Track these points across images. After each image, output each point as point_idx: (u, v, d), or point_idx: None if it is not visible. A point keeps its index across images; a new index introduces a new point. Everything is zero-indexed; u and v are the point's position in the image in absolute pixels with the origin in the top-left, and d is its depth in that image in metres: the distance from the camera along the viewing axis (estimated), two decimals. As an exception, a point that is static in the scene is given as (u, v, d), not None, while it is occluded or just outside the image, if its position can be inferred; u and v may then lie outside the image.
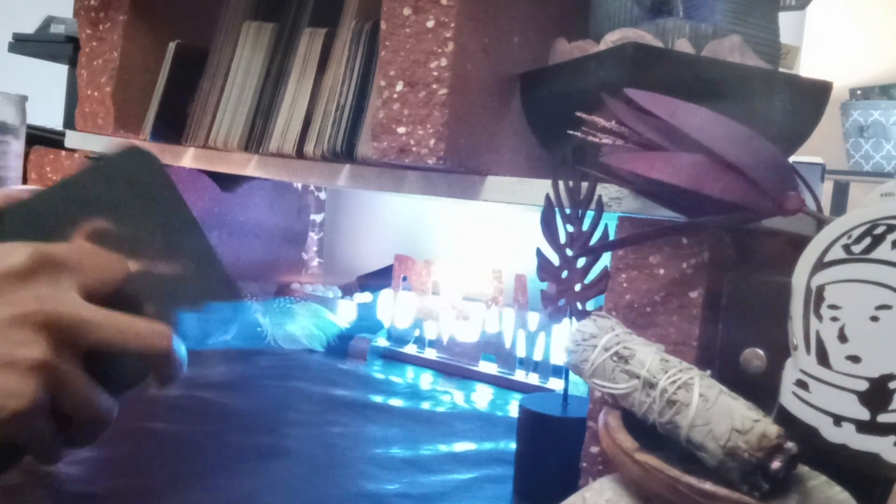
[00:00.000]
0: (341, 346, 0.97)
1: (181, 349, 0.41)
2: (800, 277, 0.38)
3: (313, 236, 1.27)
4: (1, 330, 0.35)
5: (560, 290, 0.52)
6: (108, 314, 0.39)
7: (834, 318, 0.37)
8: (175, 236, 0.45)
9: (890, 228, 0.36)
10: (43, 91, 1.28)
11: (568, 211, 0.52)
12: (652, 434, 0.39)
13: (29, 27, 1.57)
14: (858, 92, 1.66)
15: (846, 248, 0.37)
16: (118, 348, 0.38)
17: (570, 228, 0.52)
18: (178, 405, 0.69)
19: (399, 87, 0.60)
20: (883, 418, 0.35)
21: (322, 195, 1.30)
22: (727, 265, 0.46)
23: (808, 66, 0.71)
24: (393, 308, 0.97)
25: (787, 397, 0.38)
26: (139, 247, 0.43)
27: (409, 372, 0.91)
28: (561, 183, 0.52)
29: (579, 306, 0.51)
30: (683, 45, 0.55)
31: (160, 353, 0.40)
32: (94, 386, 0.38)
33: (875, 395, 0.35)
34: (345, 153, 0.68)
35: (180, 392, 0.73)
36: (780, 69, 0.62)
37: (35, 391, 0.35)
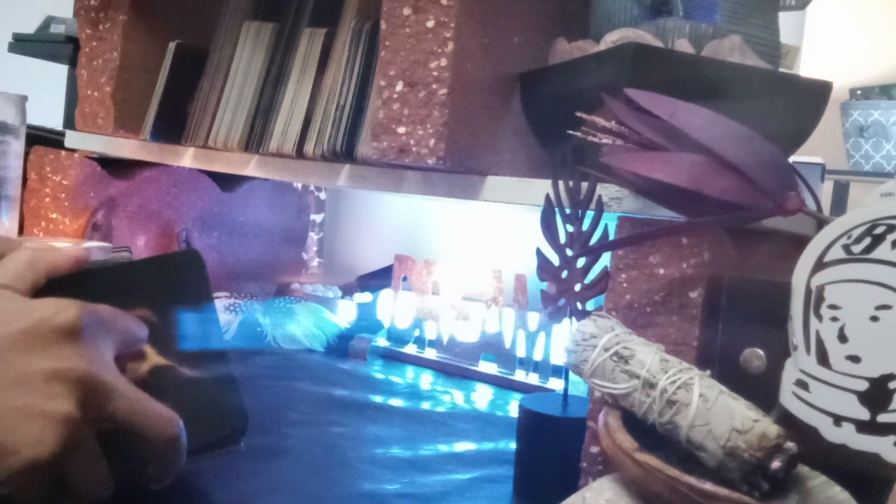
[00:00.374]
0: (341, 346, 0.97)
1: (184, 449, 0.42)
2: (800, 277, 0.38)
3: (313, 236, 1.27)
4: (41, 382, 0.36)
5: (560, 290, 0.52)
6: (133, 388, 0.41)
7: (834, 318, 0.37)
8: (202, 358, 0.49)
9: (890, 228, 0.36)
10: (43, 91, 1.28)
11: (568, 211, 0.52)
12: (652, 434, 0.39)
13: (29, 27, 1.57)
14: (858, 92, 1.66)
15: (846, 248, 0.37)
16: (133, 422, 0.40)
17: (570, 228, 0.52)
18: (178, 405, 0.69)
19: (399, 87, 0.60)
20: (883, 418, 0.35)
21: (322, 195, 1.30)
22: (727, 265, 0.46)
23: (808, 66, 0.71)
24: (393, 308, 0.97)
25: (787, 397, 0.38)
26: (170, 343, 0.47)
27: (409, 372, 0.91)
28: (561, 183, 0.52)
29: (579, 306, 0.51)
30: (683, 45, 0.55)
31: (168, 438, 0.41)
32: (103, 460, 0.39)
33: (875, 395, 0.35)
34: (345, 153, 0.68)
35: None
36: (780, 69, 0.62)
37: (57, 443, 0.36)
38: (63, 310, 0.39)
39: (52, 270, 0.44)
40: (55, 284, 0.44)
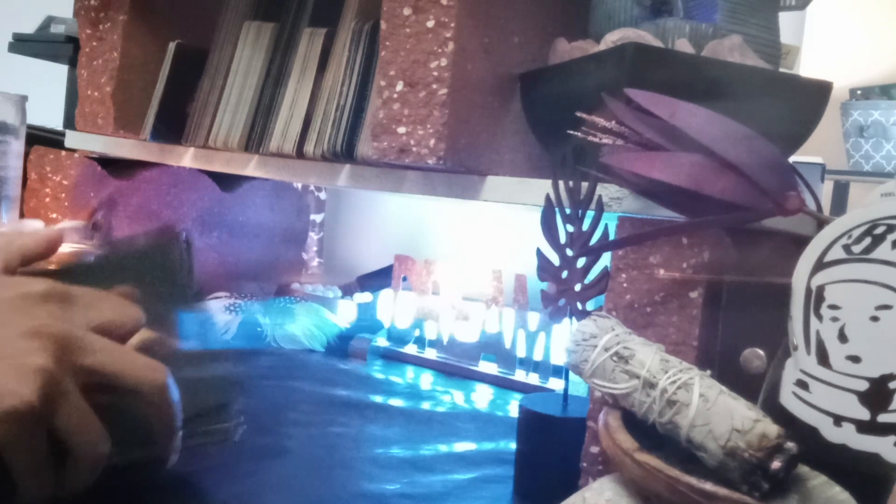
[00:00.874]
0: (341, 346, 0.97)
1: (176, 402, 0.43)
2: (800, 277, 0.38)
3: (313, 236, 1.27)
4: (16, 338, 0.38)
5: (560, 290, 0.52)
6: (111, 343, 0.41)
7: (834, 318, 0.37)
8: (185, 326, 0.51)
9: (890, 228, 0.36)
10: (43, 91, 1.28)
11: (568, 211, 0.52)
12: (652, 434, 0.39)
13: (29, 27, 1.58)
14: (858, 92, 1.67)
15: (846, 248, 0.37)
16: (116, 373, 0.40)
17: (570, 228, 0.52)
18: (178, 405, 0.69)
19: (399, 87, 0.60)
20: (883, 418, 0.35)
21: (322, 195, 1.30)
22: (727, 265, 0.46)
23: (808, 66, 0.71)
24: (393, 308, 0.97)
25: (787, 397, 0.38)
26: (157, 320, 0.47)
27: (409, 372, 0.91)
28: (561, 183, 0.52)
29: (579, 306, 0.51)
30: (683, 45, 0.55)
31: (156, 386, 0.41)
32: (92, 414, 0.40)
33: (875, 395, 0.35)
34: (345, 153, 0.68)
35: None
36: (781, 69, 0.62)
37: (33, 392, 0.36)
38: (36, 282, 0.41)
39: (27, 253, 0.46)
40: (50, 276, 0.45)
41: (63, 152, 0.91)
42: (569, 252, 0.52)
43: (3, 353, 0.37)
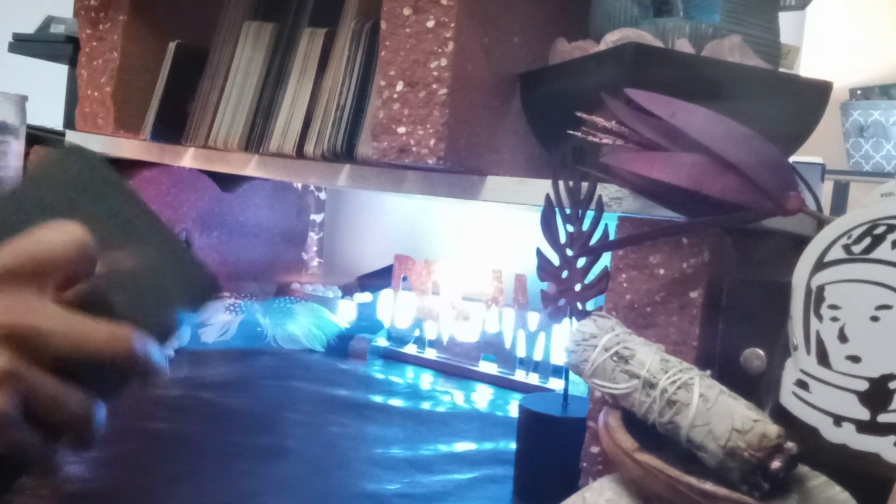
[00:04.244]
0: (341, 346, 0.97)
1: (153, 349, 0.41)
2: (800, 277, 0.38)
3: (313, 236, 1.27)
4: None
5: (560, 290, 0.52)
6: (69, 320, 0.39)
7: (834, 318, 0.37)
8: (135, 231, 0.44)
9: (890, 228, 0.36)
10: (43, 91, 1.28)
11: (568, 211, 0.52)
12: (652, 434, 0.39)
13: (29, 27, 1.57)
14: (858, 92, 1.67)
15: (846, 248, 0.37)
16: (80, 355, 0.39)
17: (570, 228, 0.52)
18: (178, 405, 0.69)
19: (399, 87, 0.60)
20: (883, 418, 0.35)
21: (322, 195, 1.30)
22: (727, 265, 0.46)
23: (808, 66, 0.71)
24: (393, 308, 0.97)
25: (787, 397, 0.38)
26: (100, 243, 0.42)
27: (409, 372, 0.91)
28: (561, 183, 0.52)
29: (579, 306, 0.51)
30: (683, 45, 0.55)
31: (122, 357, 0.40)
32: (68, 389, 0.39)
33: (875, 395, 0.35)
34: (345, 153, 0.68)
35: (180, 392, 0.72)
36: (780, 69, 0.62)
37: (2, 400, 0.36)
38: None
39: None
40: None
41: (63, 152, 0.91)
42: (569, 252, 0.52)
43: None
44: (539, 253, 0.53)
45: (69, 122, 1.01)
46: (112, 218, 0.44)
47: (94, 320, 0.40)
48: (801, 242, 0.39)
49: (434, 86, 0.58)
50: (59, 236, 0.40)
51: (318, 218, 1.29)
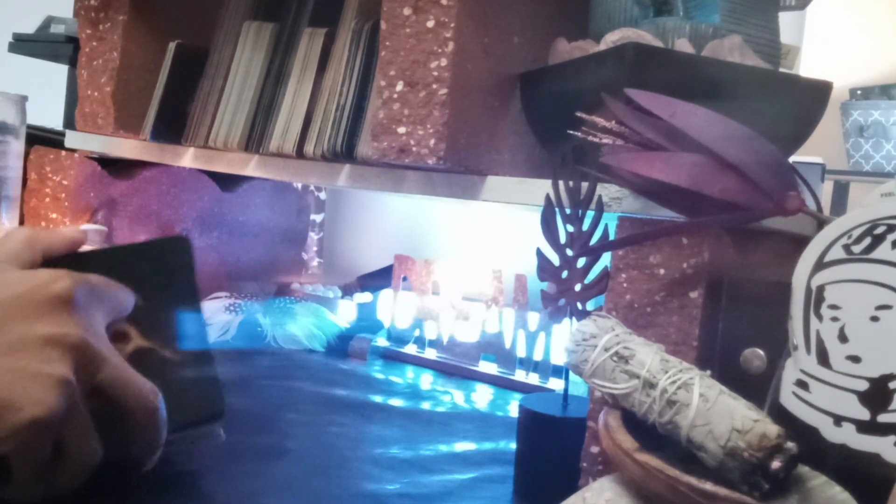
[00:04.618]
0: (341, 346, 0.97)
1: (163, 423, 0.44)
2: (800, 277, 0.38)
3: (313, 236, 1.27)
4: (39, 346, 0.38)
5: (560, 290, 0.52)
6: (120, 359, 0.43)
7: (834, 318, 0.37)
8: (183, 335, 0.51)
9: (890, 228, 0.36)
10: (43, 91, 1.28)
11: (568, 211, 0.52)
12: (652, 434, 0.39)
13: (29, 27, 1.58)
14: (858, 92, 1.67)
15: (846, 248, 0.37)
16: (119, 390, 0.42)
17: (570, 228, 0.52)
18: (178, 405, 0.69)
19: (399, 87, 0.60)
20: (883, 418, 0.35)
21: (322, 195, 1.30)
22: (727, 265, 0.46)
23: (808, 66, 0.71)
24: (393, 308, 0.97)
25: (787, 397, 0.38)
26: (154, 327, 0.48)
27: (409, 372, 0.91)
28: (561, 183, 0.52)
29: (579, 306, 0.51)
30: (683, 45, 0.55)
31: (149, 409, 0.43)
32: (92, 425, 0.41)
33: (875, 395, 0.35)
34: (345, 153, 0.68)
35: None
36: (780, 69, 0.62)
37: (56, 404, 0.37)
38: (57, 279, 0.41)
39: (48, 250, 0.46)
40: (50, 265, 0.45)
41: (63, 152, 0.91)
42: (569, 252, 0.52)
43: (27, 358, 0.38)
44: (539, 253, 0.53)
45: (69, 122, 1.01)
46: (172, 314, 0.52)
47: (135, 373, 0.43)
48: (801, 242, 0.39)
49: (434, 86, 0.58)
50: (129, 300, 0.47)
51: (318, 218, 1.29)
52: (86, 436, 0.41)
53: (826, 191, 1.50)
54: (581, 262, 0.51)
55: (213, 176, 1.04)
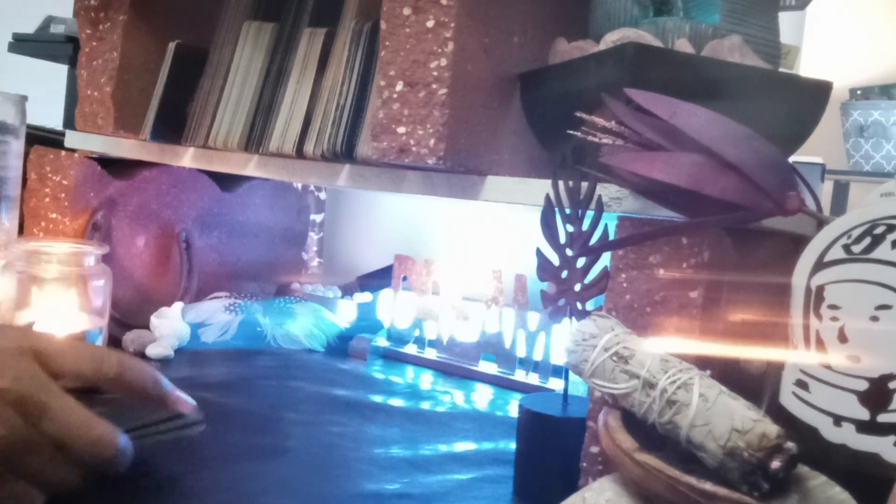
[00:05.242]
0: (341, 346, 0.97)
1: (123, 463, 0.46)
2: (800, 277, 0.38)
3: (313, 236, 1.27)
4: None
5: (560, 290, 0.52)
6: (72, 409, 0.45)
7: (834, 318, 0.37)
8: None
9: (890, 228, 0.36)
10: (43, 91, 1.28)
11: (568, 211, 0.52)
12: (652, 434, 0.39)
13: (29, 27, 1.58)
14: (858, 92, 1.67)
15: (846, 247, 0.37)
16: (69, 445, 0.44)
17: (570, 228, 0.52)
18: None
19: (399, 87, 0.60)
20: (883, 418, 0.35)
21: (322, 195, 1.30)
22: (727, 265, 0.46)
23: (808, 66, 0.71)
24: (393, 308, 0.97)
25: (787, 397, 0.38)
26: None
27: (409, 372, 0.91)
28: (561, 183, 0.52)
29: (579, 306, 0.51)
30: (683, 45, 0.55)
31: (102, 459, 0.45)
32: (59, 462, 0.44)
33: (875, 395, 0.35)
34: (345, 153, 0.68)
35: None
36: (780, 69, 0.62)
37: None
38: (12, 334, 0.45)
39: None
40: None
41: (63, 152, 0.91)
42: (569, 252, 0.52)
43: None
44: (539, 253, 0.53)
45: (69, 122, 1.01)
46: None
47: (93, 415, 0.46)
48: (800, 242, 0.39)
49: (434, 86, 0.58)
50: (93, 366, 0.48)
51: (318, 218, 1.29)
52: (53, 470, 0.43)
53: (826, 191, 1.50)
54: (581, 262, 0.51)
55: (213, 176, 1.04)
